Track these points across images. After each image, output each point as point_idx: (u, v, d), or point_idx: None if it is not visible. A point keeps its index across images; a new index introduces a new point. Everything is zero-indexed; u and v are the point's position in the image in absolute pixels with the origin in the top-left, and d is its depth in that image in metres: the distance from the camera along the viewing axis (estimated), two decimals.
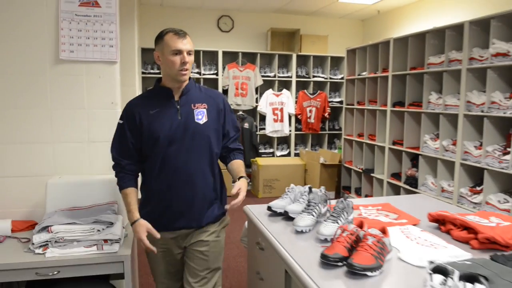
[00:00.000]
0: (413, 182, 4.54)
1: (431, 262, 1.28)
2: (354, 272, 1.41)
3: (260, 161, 6.26)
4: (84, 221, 2.11)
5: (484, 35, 3.65)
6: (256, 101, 6.74)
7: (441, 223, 1.94)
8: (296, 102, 6.88)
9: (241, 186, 1.90)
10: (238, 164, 2.07)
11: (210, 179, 2.00)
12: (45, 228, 2.05)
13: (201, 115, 1.96)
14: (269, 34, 6.80)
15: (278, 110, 6.75)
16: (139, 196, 2.02)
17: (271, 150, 6.96)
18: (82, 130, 2.52)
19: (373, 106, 5.30)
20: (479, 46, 3.69)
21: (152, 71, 6.34)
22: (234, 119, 2.16)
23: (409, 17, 6.17)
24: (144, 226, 1.88)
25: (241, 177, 1.98)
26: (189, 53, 1.89)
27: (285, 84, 6.94)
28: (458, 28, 3.90)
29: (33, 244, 2.03)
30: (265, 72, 6.81)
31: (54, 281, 2.04)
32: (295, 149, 7.05)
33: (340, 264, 1.48)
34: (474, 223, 1.75)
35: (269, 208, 2.13)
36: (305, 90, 6.88)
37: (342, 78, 6.83)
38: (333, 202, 2.02)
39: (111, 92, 2.53)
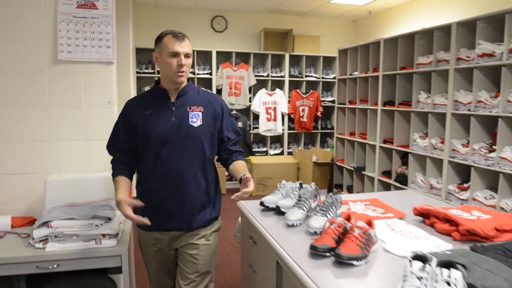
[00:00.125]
0: (403, 179, 4.64)
1: (413, 252, 1.36)
2: (341, 262, 1.49)
3: (254, 159, 6.34)
4: (83, 216, 2.16)
5: (470, 36, 3.75)
6: (250, 101, 6.82)
7: (426, 217, 2.03)
8: (289, 102, 6.98)
9: (249, 178, 1.89)
10: (240, 165, 2.07)
11: (202, 182, 2.00)
12: (45, 224, 2.11)
13: (195, 118, 1.96)
14: (262, 34, 6.88)
15: (271, 109, 6.83)
16: (134, 195, 2.07)
17: (264, 149, 7.04)
18: (80, 128, 2.58)
19: (364, 105, 5.39)
20: (466, 47, 3.79)
21: (146, 70, 6.40)
22: (234, 123, 2.16)
23: (399, 18, 6.27)
24: (126, 202, 1.84)
25: (245, 175, 1.95)
26: (186, 55, 1.91)
27: (278, 84, 7.03)
28: (445, 29, 4.00)
29: (33, 238, 2.09)
30: (258, 72, 6.89)
31: (53, 275, 2.10)
32: (288, 148, 7.14)
33: (328, 254, 1.56)
34: (456, 216, 1.85)
35: (261, 204, 2.20)
36: (298, 90, 6.97)
37: (334, 78, 6.93)
38: (323, 197, 2.10)
39: (108, 91, 2.60)
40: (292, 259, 1.58)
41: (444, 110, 3.98)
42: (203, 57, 6.76)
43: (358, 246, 1.52)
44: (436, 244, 1.69)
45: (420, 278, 1.19)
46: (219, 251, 3.65)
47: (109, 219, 2.19)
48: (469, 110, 3.70)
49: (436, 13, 5.49)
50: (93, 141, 2.60)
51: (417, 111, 4.40)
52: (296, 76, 7.00)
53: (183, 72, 1.91)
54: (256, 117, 6.89)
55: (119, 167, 2.02)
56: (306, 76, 7.03)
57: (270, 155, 7.00)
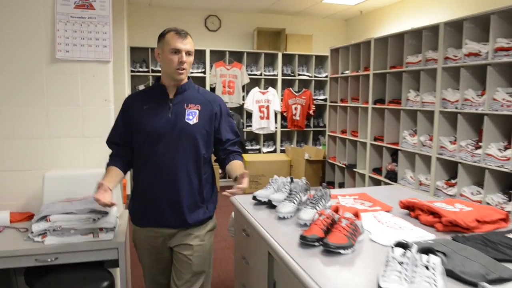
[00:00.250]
0: (393, 176, 4.74)
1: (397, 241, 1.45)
2: (329, 250, 1.57)
3: (247, 157, 6.41)
4: (80, 211, 2.21)
5: (458, 36, 3.84)
6: (243, 99, 6.89)
7: (411, 210, 2.12)
8: (281, 100, 7.05)
9: (245, 175, 1.90)
10: (237, 164, 2.07)
11: (195, 180, 1.99)
12: (44, 218, 2.16)
13: (192, 116, 1.97)
14: (255, 33, 6.95)
15: (264, 107, 6.91)
16: (129, 191, 2.12)
17: (257, 147, 7.12)
18: (77, 126, 2.64)
19: (356, 103, 5.48)
20: (453, 46, 3.88)
21: (140, 69, 6.43)
22: (233, 124, 2.15)
23: (389, 17, 6.37)
24: (103, 188, 1.85)
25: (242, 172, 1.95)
26: (188, 53, 1.93)
27: (271, 82, 7.10)
28: (434, 29, 4.10)
29: (32, 232, 2.15)
30: (251, 71, 6.97)
31: (51, 268, 2.16)
32: (281, 146, 7.22)
33: (316, 244, 1.64)
34: (439, 208, 1.94)
35: (254, 198, 2.27)
36: (291, 88, 7.05)
37: (326, 77, 7.01)
38: (313, 191, 2.18)
39: (104, 89, 2.65)
40: (283, 249, 1.65)
41: (433, 108, 4.08)
42: (196, 56, 6.78)
43: (345, 236, 1.60)
44: (419, 234, 1.78)
45: (401, 263, 1.28)
46: (213, 246, 3.71)
47: (106, 213, 2.25)
48: (456, 108, 3.80)
49: (425, 13, 5.59)
50: (90, 138, 2.66)
51: (406, 109, 4.50)
52: (289, 75, 7.08)
53: (183, 69, 1.93)
54: (249, 115, 6.96)
55: (115, 159, 2.07)
56: (299, 74, 7.11)
57: (263, 153, 7.07)
